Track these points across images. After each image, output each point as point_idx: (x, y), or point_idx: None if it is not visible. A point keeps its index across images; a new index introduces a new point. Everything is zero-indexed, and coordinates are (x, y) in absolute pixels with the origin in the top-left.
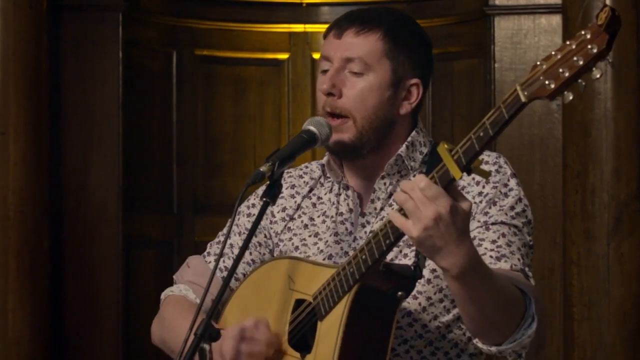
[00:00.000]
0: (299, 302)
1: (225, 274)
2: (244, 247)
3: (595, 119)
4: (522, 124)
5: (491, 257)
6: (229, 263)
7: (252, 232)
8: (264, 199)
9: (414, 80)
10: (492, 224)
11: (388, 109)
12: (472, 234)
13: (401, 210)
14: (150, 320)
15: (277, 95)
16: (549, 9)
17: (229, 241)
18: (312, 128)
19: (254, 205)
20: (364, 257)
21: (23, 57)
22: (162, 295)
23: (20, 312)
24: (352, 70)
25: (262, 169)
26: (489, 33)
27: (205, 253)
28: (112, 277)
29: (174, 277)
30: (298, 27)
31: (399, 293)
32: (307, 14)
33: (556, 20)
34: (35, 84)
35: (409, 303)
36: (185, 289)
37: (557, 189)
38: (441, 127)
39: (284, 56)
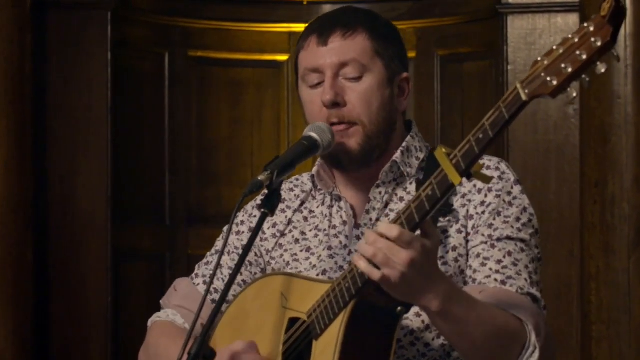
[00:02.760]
0: (293, 321)
1: (215, 296)
2: (238, 267)
3: (615, 124)
4: (537, 129)
5: (496, 280)
6: (217, 284)
7: (248, 246)
8: (262, 210)
9: (405, 75)
10: (498, 240)
11: (390, 108)
12: (476, 251)
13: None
14: (141, 338)
15: (276, 99)
16: (566, 7)
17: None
18: (313, 134)
19: (242, 223)
20: (360, 271)
21: (5, 58)
22: (149, 322)
23: (2, 330)
24: (348, 77)
25: (260, 177)
26: (502, 33)
27: (193, 275)
28: (101, 292)
29: (161, 302)
30: (298, 27)
31: (399, 308)
32: (308, 13)
33: (573, 19)
34: (19, 87)
35: (411, 321)
36: (173, 313)
37: (574, 199)
38: (451, 132)
39: (283, 57)
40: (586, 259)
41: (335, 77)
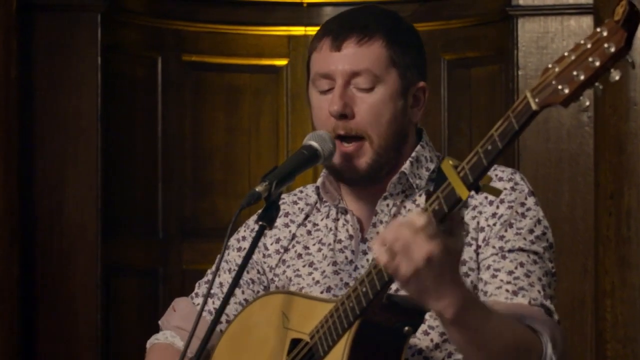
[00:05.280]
0: (295, 342)
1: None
2: (235, 283)
3: (631, 132)
4: (549, 138)
5: (507, 290)
6: (218, 304)
7: (246, 260)
8: (260, 223)
9: (421, 84)
10: (509, 251)
11: (402, 120)
12: (486, 263)
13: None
14: (132, 357)
15: (274, 106)
16: (579, 10)
17: (217, 280)
18: (313, 143)
19: (244, 239)
20: (364, 289)
21: None
22: (148, 344)
23: None
24: (360, 87)
25: (258, 189)
26: (512, 36)
27: (193, 294)
28: (90, 309)
29: (160, 323)
30: (298, 30)
31: (406, 328)
32: (308, 15)
33: (587, 21)
34: (4, 93)
35: (420, 340)
36: (172, 335)
37: (588, 211)
38: (458, 141)
39: (282, 62)
40: (601, 274)
41: (345, 86)
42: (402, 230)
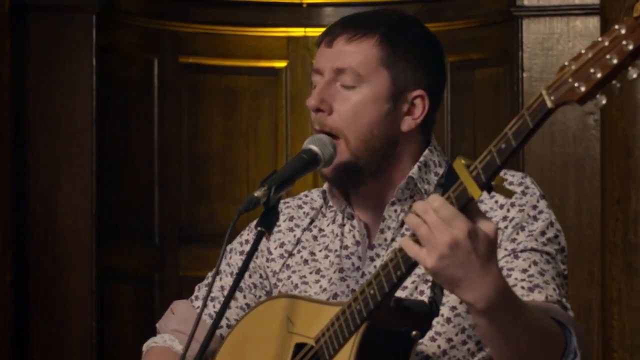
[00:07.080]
0: (299, 347)
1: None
2: (234, 286)
3: (639, 136)
4: (555, 142)
5: (523, 288)
6: (219, 308)
7: (245, 266)
8: (259, 229)
9: (418, 92)
10: (521, 251)
11: (387, 125)
12: (499, 264)
13: (414, 236)
14: None
15: (273, 108)
16: (586, 10)
17: (219, 283)
18: (313, 147)
19: (247, 242)
20: (372, 292)
21: None
22: (144, 347)
23: None
24: (344, 84)
25: (257, 193)
26: (517, 37)
27: (192, 297)
28: (85, 317)
29: (157, 325)
30: (297, 31)
31: (414, 332)
32: (307, 16)
33: (593, 22)
34: None
35: (427, 346)
36: (170, 339)
37: (594, 217)
38: (461, 145)
39: (281, 64)
40: (607, 281)
41: (330, 82)
42: (427, 216)
